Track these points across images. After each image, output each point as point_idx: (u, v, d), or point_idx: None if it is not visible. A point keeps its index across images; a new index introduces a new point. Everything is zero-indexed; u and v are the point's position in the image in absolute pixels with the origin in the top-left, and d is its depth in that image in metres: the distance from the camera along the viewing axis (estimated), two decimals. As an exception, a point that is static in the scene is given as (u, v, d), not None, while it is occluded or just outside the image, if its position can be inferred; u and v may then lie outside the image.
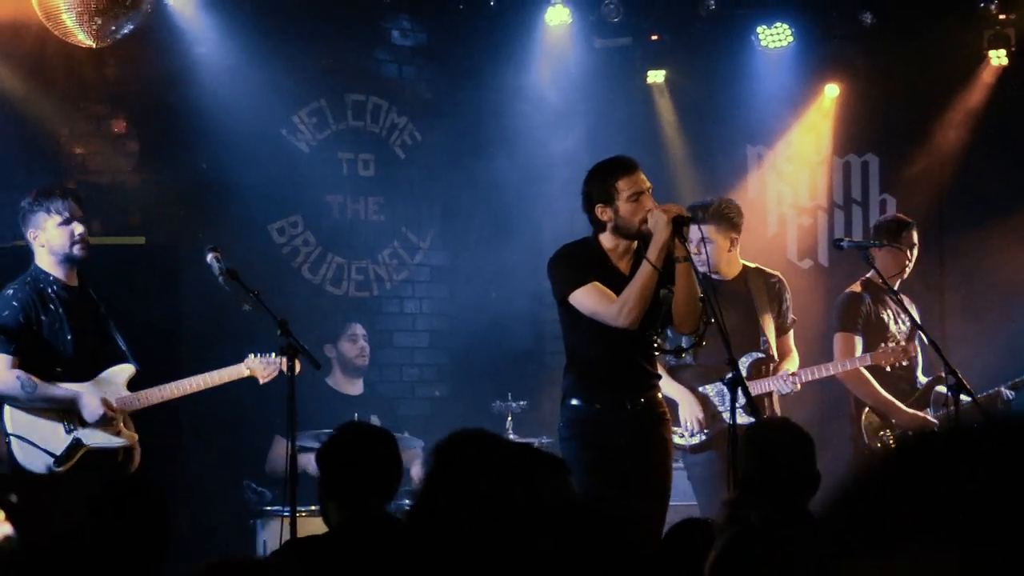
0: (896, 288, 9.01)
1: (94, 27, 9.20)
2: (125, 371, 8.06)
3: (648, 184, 7.27)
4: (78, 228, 7.95)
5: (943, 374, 9.21)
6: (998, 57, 11.46)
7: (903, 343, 9.13)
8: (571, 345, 7.46)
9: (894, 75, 11.68)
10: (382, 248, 11.70)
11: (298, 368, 7.48)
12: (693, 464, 8.63)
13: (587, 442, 7.23)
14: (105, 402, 7.87)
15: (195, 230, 10.27)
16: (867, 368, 9.04)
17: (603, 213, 7.25)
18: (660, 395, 7.49)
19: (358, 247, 11.61)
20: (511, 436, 10.23)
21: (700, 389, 8.62)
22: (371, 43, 11.68)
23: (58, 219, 7.93)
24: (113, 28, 9.29)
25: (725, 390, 8.39)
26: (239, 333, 9.31)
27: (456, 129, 11.69)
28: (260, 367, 8.35)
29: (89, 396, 7.86)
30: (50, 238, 7.96)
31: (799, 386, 8.67)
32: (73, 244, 7.94)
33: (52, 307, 7.91)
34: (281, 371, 7.95)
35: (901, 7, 11.42)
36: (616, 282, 7.24)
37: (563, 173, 11.37)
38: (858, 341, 9.12)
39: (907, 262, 9.27)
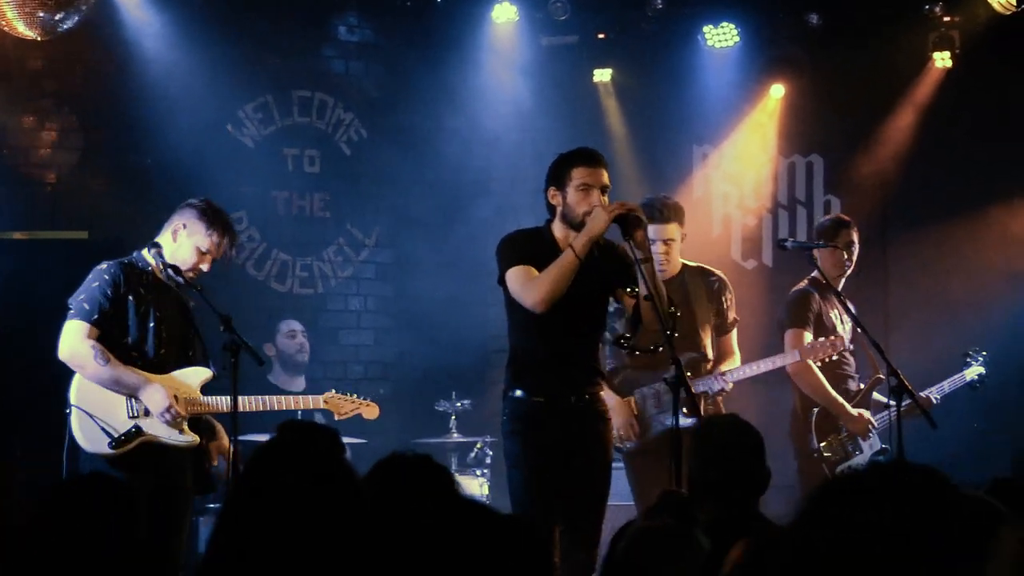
0: (839, 288, 9.07)
1: (38, 20, 9.15)
2: (201, 374, 7.83)
3: (606, 182, 7.27)
4: (205, 263, 7.77)
5: (882, 375, 9.29)
6: (943, 59, 11.53)
7: (839, 337, 9.18)
8: (514, 335, 7.46)
9: (840, 76, 11.72)
10: (327, 245, 11.68)
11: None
12: (629, 467, 8.62)
13: (529, 438, 7.20)
14: (173, 399, 7.64)
15: (139, 225, 10.21)
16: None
17: (553, 197, 7.28)
18: (603, 393, 7.48)
19: (303, 244, 11.58)
20: (455, 435, 10.24)
21: (636, 392, 8.59)
22: (318, 39, 11.66)
23: (204, 243, 7.73)
24: (58, 21, 9.24)
25: (661, 392, 8.40)
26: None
27: (402, 126, 11.67)
28: (339, 403, 8.29)
29: (156, 389, 7.61)
30: (185, 246, 7.79)
31: (730, 384, 8.66)
32: (189, 268, 7.74)
33: (143, 291, 7.71)
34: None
35: (847, 9, 11.47)
36: None
37: (509, 170, 11.38)
38: (808, 337, 9.12)
39: (846, 261, 9.30)
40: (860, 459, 9.22)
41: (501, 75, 11.81)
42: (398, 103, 11.72)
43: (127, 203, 10.55)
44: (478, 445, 10.28)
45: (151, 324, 7.71)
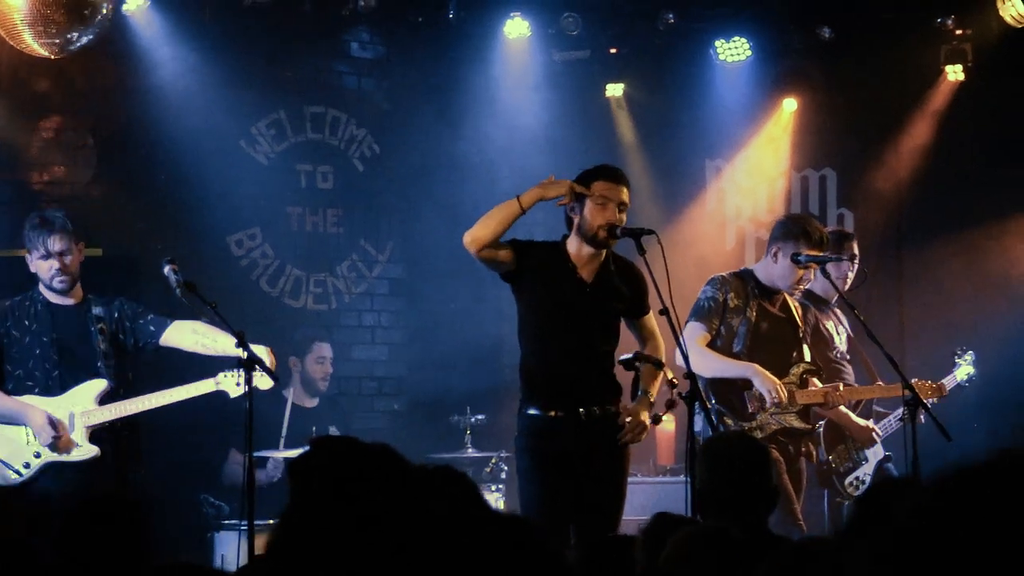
0: (835, 300, 9.15)
1: (52, 39, 9.17)
2: (96, 386, 8.18)
3: (624, 199, 7.32)
4: (54, 264, 8.17)
5: (881, 384, 9.33)
6: (955, 72, 11.53)
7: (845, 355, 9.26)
8: (524, 348, 7.49)
9: (852, 89, 11.73)
10: (340, 261, 11.68)
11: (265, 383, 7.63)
12: None
13: (540, 453, 7.22)
14: (50, 421, 8.00)
15: (153, 242, 10.23)
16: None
17: (572, 209, 7.31)
18: (617, 408, 7.46)
19: (316, 260, 11.58)
20: (469, 450, 10.23)
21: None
22: (330, 55, 11.66)
23: (37, 254, 8.21)
24: (71, 39, 9.26)
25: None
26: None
27: (415, 141, 11.68)
28: (232, 382, 8.39)
29: (35, 413, 8.03)
30: (36, 268, 8.24)
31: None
32: (52, 278, 8.20)
33: (28, 323, 8.16)
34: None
35: (859, 22, 11.46)
36: (576, 288, 7.30)
37: (522, 184, 11.33)
38: (805, 350, 9.13)
39: (849, 273, 9.34)
40: (867, 468, 9.25)
41: (513, 90, 11.80)
42: (411, 119, 11.72)
43: (141, 220, 10.58)
44: (493, 460, 10.26)
45: (37, 351, 8.14)
